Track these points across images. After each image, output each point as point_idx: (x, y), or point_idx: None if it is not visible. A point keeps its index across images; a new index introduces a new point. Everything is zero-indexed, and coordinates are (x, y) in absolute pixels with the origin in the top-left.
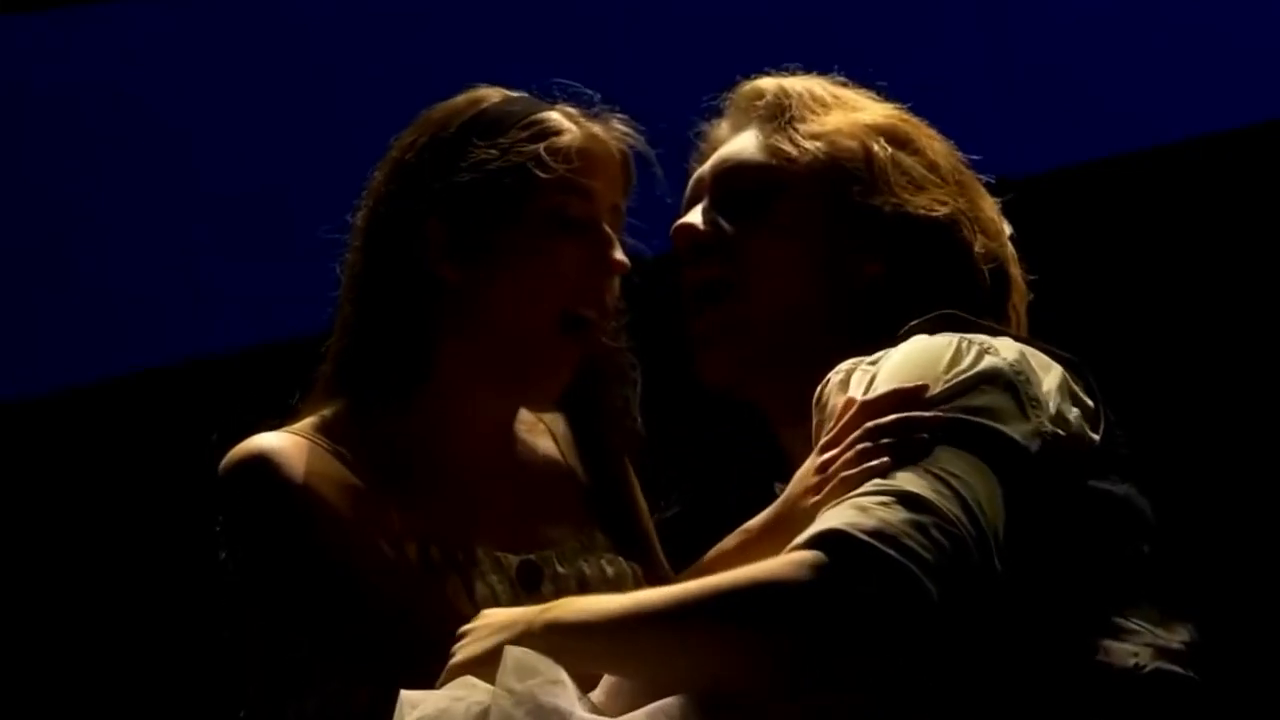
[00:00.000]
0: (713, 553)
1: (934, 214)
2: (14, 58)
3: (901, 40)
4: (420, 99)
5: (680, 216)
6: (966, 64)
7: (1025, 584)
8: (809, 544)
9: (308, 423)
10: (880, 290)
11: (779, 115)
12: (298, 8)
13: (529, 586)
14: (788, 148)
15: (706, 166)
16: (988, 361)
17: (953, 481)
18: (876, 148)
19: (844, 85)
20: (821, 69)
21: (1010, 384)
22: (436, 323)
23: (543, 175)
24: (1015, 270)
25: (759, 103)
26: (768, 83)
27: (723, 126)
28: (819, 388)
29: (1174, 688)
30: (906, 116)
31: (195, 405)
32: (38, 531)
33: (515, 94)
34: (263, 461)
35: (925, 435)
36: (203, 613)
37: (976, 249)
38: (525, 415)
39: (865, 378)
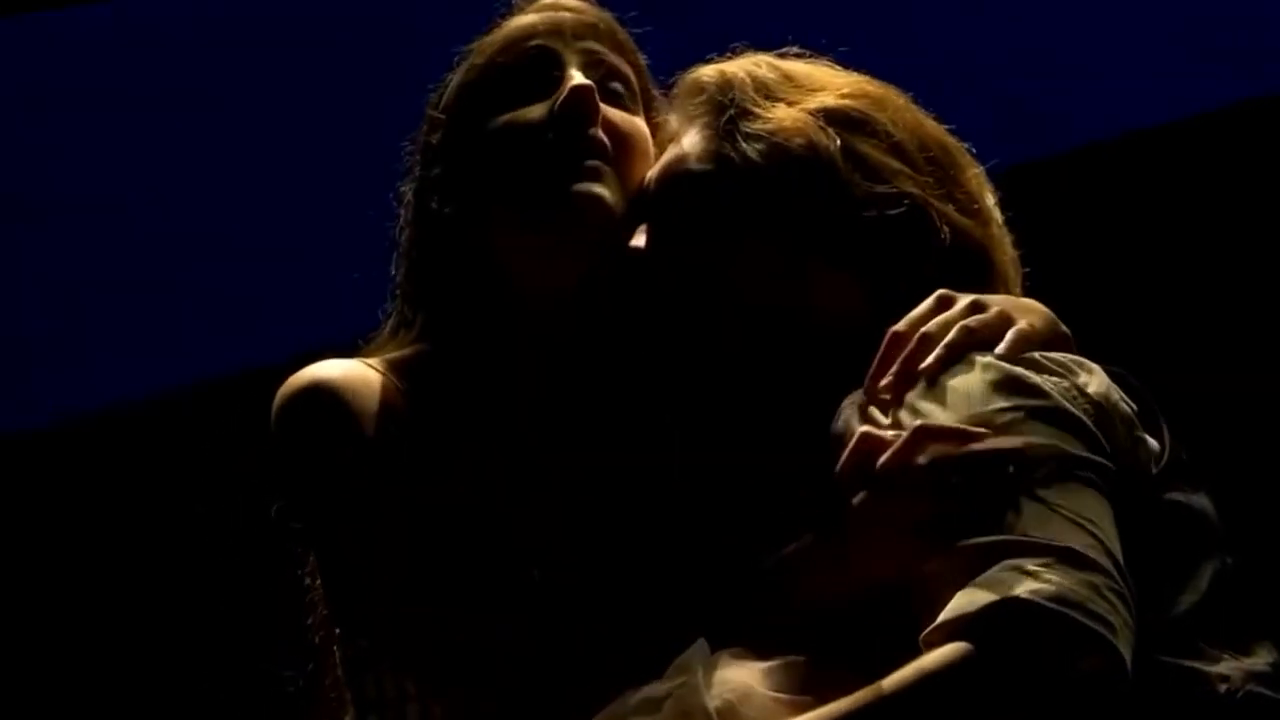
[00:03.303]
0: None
1: (892, 210)
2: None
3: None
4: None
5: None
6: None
7: None
8: (980, 621)
9: (385, 357)
10: (849, 301)
11: (719, 113)
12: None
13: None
14: (730, 154)
15: (654, 173)
16: (1039, 385)
17: (1090, 527)
18: (825, 140)
19: (801, 59)
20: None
21: (1070, 400)
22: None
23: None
24: (1000, 254)
25: (698, 100)
26: (708, 74)
27: (671, 121)
28: (835, 424)
29: (1270, 713)
30: (869, 90)
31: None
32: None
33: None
34: (314, 390)
35: (1012, 469)
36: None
37: (943, 237)
38: None
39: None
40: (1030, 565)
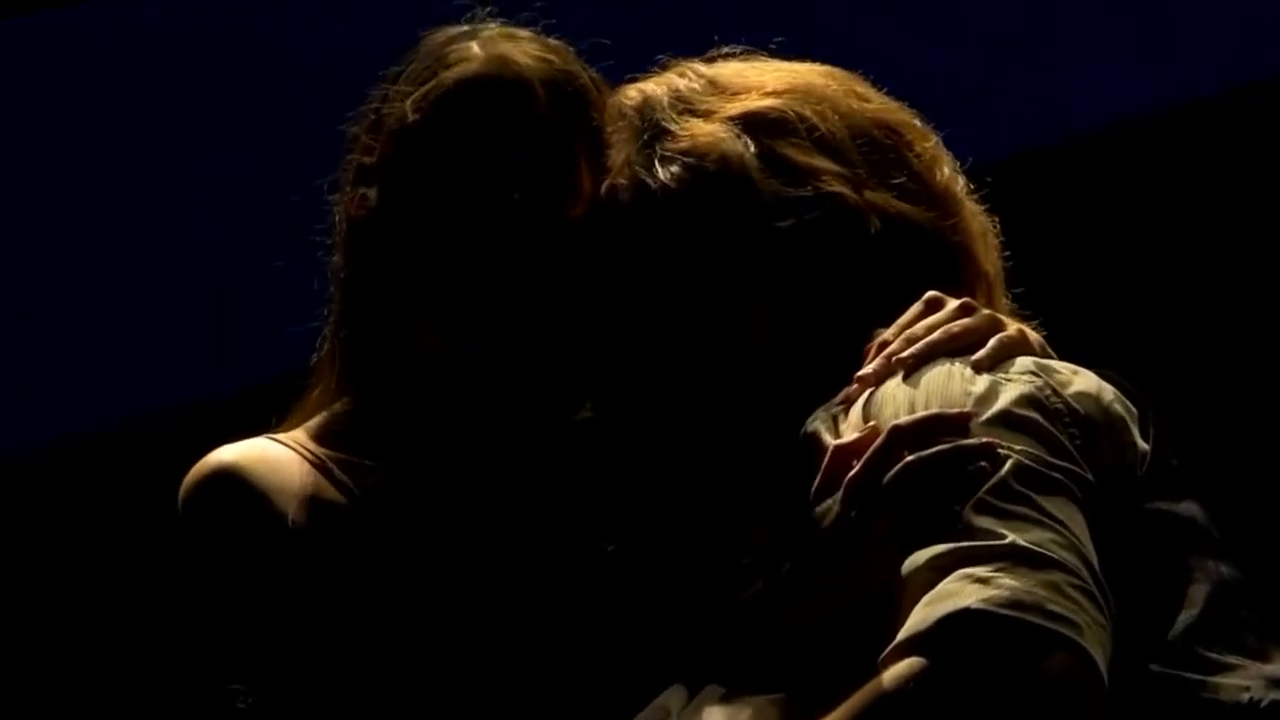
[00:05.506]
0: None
1: (807, 214)
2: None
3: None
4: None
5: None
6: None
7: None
8: (932, 637)
9: (306, 425)
10: (796, 313)
11: (640, 137)
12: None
13: (508, 640)
14: (646, 181)
15: (588, 213)
16: (1009, 390)
17: (1055, 525)
18: (739, 150)
19: (734, 57)
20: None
21: (1040, 406)
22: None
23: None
24: (962, 233)
25: (620, 126)
26: (629, 96)
27: (610, 152)
28: (802, 440)
29: None
30: (797, 82)
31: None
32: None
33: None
34: (216, 479)
35: (985, 465)
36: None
37: (872, 230)
38: None
39: (853, 420)
40: (983, 572)
